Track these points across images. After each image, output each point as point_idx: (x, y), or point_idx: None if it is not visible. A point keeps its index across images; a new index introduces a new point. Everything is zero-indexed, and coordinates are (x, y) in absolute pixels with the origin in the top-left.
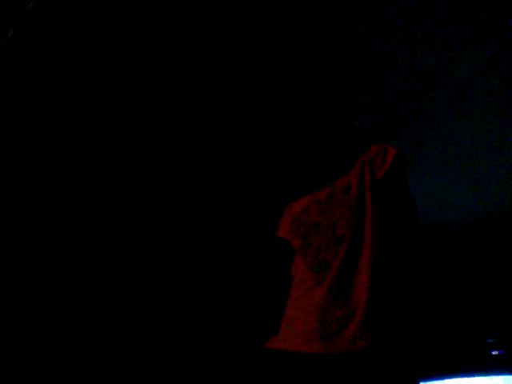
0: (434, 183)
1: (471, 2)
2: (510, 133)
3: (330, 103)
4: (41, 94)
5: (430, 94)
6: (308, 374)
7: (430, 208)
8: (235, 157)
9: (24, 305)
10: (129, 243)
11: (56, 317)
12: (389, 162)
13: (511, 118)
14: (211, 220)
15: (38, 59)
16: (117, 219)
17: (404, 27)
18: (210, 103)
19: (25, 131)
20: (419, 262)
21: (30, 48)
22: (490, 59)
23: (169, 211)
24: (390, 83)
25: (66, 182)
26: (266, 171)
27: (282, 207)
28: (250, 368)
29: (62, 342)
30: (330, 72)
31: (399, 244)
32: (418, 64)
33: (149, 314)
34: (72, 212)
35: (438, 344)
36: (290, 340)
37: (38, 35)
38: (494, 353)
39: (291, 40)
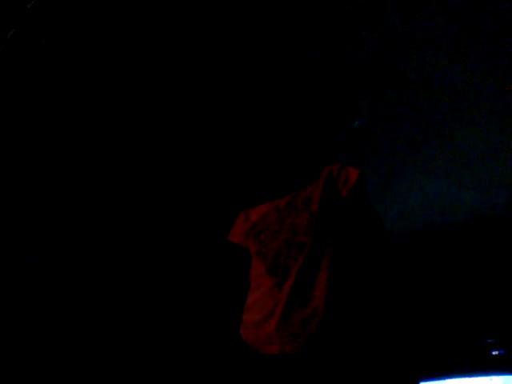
0: (434, 185)
1: (471, 6)
2: (510, 134)
3: (299, 117)
4: (41, 94)
5: (430, 95)
6: (268, 374)
7: (429, 209)
8: (192, 160)
9: (23, 304)
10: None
11: (54, 316)
12: (352, 182)
13: (511, 120)
14: (166, 223)
15: (37, 59)
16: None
17: (406, 31)
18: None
19: (25, 130)
20: (387, 270)
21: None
22: (490, 62)
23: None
24: (390, 85)
25: (65, 180)
26: (223, 175)
27: (236, 213)
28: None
29: (60, 342)
30: (329, 74)
31: (364, 253)
32: (418, 65)
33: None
34: (70, 211)
35: (437, 344)
36: (250, 343)
37: (38, 35)
38: (494, 353)
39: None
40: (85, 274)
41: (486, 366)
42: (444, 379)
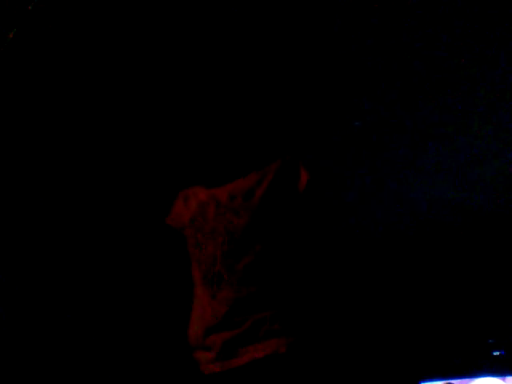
0: (433, 183)
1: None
2: (508, 133)
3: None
4: (41, 95)
5: (429, 95)
6: None
7: (428, 208)
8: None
9: (22, 304)
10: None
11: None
12: (303, 183)
13: (509, 118)
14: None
15: (38, 60)
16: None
17: (406, 29)
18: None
19: (25, 131)
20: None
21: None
22: (490, 61)
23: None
24: (389, 84)
25: (64, 181)
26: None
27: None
28: None
29: (59, 342)
30: (329, 74)
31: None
32: (418, 65)
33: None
34: (69, 212)
35: (438, 345)
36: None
37: (39, 36)
38: (495, 353)
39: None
40: (83, 273)
41: (487, 366)
42: (444, 380)
